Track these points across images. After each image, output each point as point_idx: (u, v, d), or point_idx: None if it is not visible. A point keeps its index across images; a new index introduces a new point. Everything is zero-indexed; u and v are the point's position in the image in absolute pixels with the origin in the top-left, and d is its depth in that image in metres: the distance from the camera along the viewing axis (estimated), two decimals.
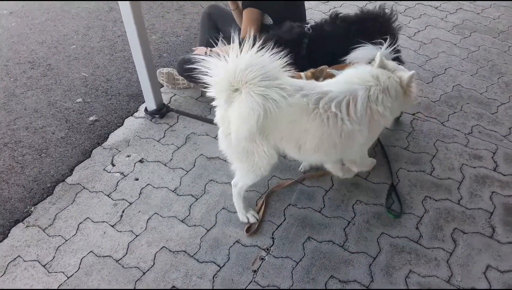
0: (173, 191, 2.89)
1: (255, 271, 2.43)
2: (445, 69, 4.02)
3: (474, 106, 3.58)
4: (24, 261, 2.53)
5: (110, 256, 2.53)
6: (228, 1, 3.56)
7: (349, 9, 4.99)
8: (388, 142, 3.22)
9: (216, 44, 3.80)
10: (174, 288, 2.35)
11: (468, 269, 2.42)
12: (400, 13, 4.92)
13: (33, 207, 2.84)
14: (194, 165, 3.07)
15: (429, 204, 2.78)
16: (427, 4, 5.12)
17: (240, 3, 3.52)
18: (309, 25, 3.07)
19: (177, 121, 3.47)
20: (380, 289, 2.33)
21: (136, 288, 2.35)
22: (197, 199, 2.84)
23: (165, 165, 3.09)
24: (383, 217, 2.70)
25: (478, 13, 4.98)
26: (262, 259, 2.49)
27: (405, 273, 2.40)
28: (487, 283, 2.35)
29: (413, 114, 3.47)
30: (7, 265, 2.51)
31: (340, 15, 3.11)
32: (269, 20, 3.30)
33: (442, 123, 3.40)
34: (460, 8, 5.08)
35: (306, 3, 3.64)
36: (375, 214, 2.72)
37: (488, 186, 2.89)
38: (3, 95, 3.82)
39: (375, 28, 2.95)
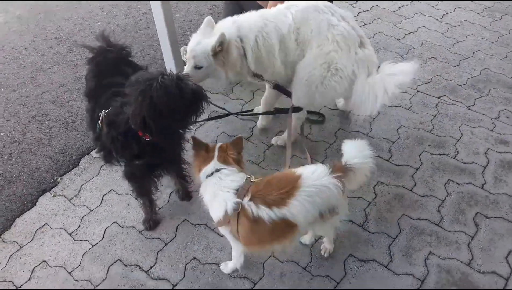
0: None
1: None
2: (473, 52, 3.92)
3: (503, 90, 3.49)
4: (51, 228, 2.62)
5: (133, 227, 2.59)
6: None
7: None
8: (411, 124, 3.18)
9: None
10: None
11: (489, 253, 2.40)
12: None
13: (59, 178, 2.92)
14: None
15: (452, 187, 2.75)
16: None
17: None
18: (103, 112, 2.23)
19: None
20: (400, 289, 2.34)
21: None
22: None
23: (188, 141, 3.12)
24: (404, 199, 2.68)
25: None
26: None
27: (425, 255, 2.39)
28: (509, 268, 2.33)
29: (438, 97, 3.41)
30: (35, 232, 2.60)
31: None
32: None
33: (468, 107, 3.33)
34: None
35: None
36: (396, 195, 2.71)
37: None
38: (31, 70, 3.90)
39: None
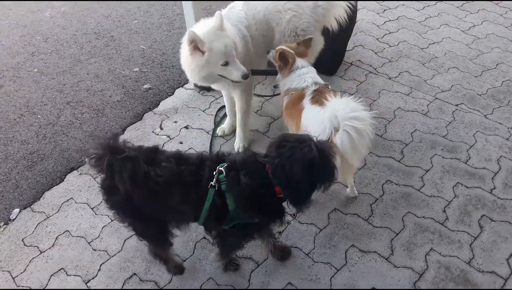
0: None
1: (280, 232, 2.57)
2: (497, 64, 3.93)
3: None
4: (76, 202, 2.83)
5: None
6: None
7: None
8: (426, 129, 3.24)
9: None
10: None
11: (491, 254, 2.43)
12: (457, 7, 4.83)
13: (87, 158, 3.14)
14: (234, 135, 3.25)
15: (460, 190, 2.79)
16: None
17: None
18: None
19: (222, 95, 3.66)
20: None
21: None
22: None
23: (207, 132, 3.30)
24: (411, 198, 2.75)
25: None
26: (288, 223, 2.63)
27: (426, 251, 2.45)
28: (509, 269, 2.36)
29: (456, 105, 3.45)
30: (61, 205, 2.82)
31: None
32: None
33: (485, 115, 3.35)
34: None
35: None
36: (404, 194, 2.77)
37: None
38: (70, 60, 4.20)
39: None
